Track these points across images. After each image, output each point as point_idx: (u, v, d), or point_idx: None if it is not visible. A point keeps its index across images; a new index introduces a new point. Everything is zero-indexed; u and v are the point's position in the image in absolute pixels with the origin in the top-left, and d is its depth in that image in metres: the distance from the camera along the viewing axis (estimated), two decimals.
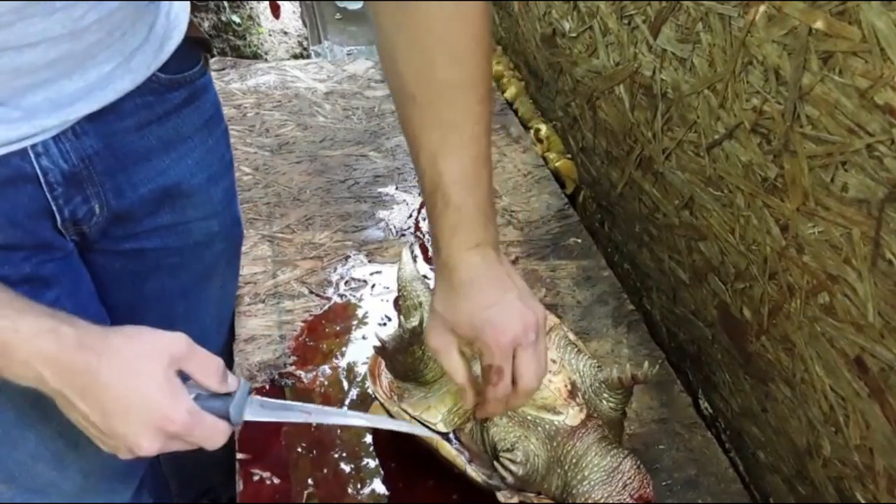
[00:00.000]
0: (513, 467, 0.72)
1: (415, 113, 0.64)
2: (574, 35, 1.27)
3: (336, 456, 0.86)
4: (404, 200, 1.29)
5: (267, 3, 2.55)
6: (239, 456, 0.85)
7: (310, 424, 0.89)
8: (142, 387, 0.58)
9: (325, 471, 0.85)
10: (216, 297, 0.95)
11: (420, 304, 0.93)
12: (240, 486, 0.83)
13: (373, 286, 1.11)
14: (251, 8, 2.57)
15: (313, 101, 1.56)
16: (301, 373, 0.96)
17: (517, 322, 0.64)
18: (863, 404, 0.72)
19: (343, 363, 0.98)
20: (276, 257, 1.15)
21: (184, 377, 0.61)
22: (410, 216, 1.26)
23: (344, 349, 1.01)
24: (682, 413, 0.95)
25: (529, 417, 0.76)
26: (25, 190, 0.64)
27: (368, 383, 0.91)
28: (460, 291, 0.65)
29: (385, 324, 1.05)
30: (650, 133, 1.06)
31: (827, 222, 0.72)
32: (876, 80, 0.63)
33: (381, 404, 0.84)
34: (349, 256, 1.16)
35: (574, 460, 0.76)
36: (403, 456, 0.85)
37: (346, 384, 0.95)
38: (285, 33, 2.71)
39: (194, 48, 0.75)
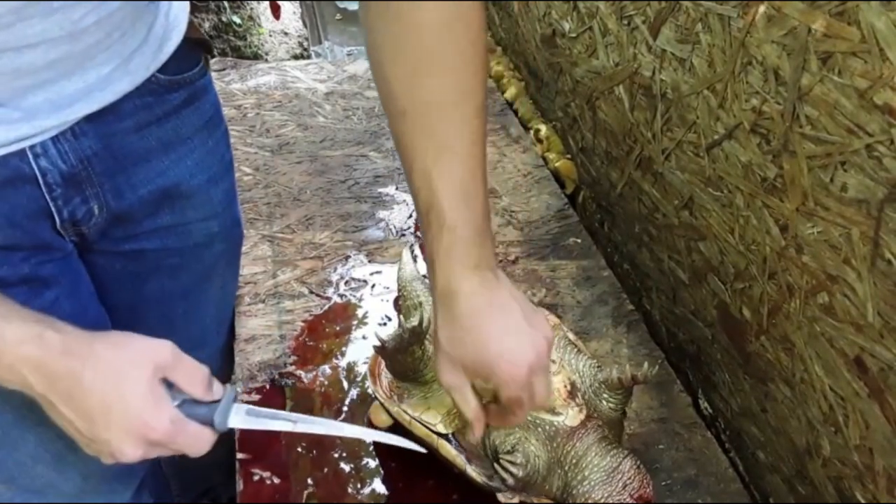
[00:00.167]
0: (513, 469, 0.72)
1: (406, 127, 0.62)
2: (574, 35, 1.27)
3: (336, 456, 0.87)
4: (404, 200, 1.29)
5: (267, 3, 2.55)
6: (239, 456, 0.85)
7: None
8: (125, 394, 0.58)
9: (325, 471, 0.85)
10: (216, 298, 0.95)
11: (420, 303, 0.93)
12: (240, 485, 0.83)
13: (373, 286, 1.11)
14: (251, 8, 2.57)
15: (313, 101, 1.56)
16: (301, 373, 0.96)
17: (530, 351, 0.63)
18: (862, 404, 0.72)
19: (343, 363, 0.99)
20: (276, 257, 1.15)
21: (170, 383, 0.62)
22: (410, 216, 1.26)
23: (344, 349, 1.01)
24: (681, 413, 0.95)
25: (529, 418, 0.76)
26: (24, 191, 0.64)
27: (368, 383, 0.91)
28: (465, 325, 0.63)
29: (385, 324, 1.05)
30: (650, 133, 1.06)
31: (826, 222, 0.72)
32: (875, 81, 0.63)
33: (381, 404, 0.84)
34: (349, 256, 1.16)
35: (574, 461, 0.76)
36: (403, 456, 0.85)
37: (346, 384, 0.95)
38: (286, 34, 2.71)
39: (194, 49, 0.75)
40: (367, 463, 0.86)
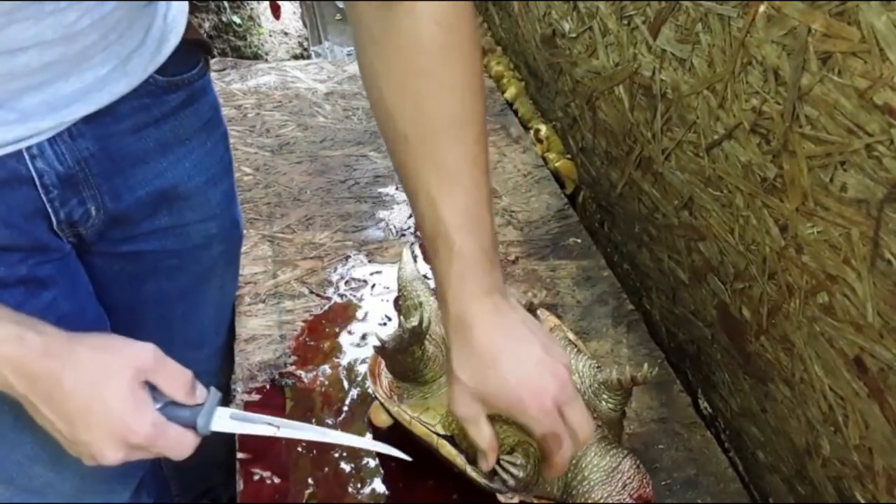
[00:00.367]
0: (513, 470, 0.72)
1: (409, 154, 0.61)
2: (574, 36, 1.27)
3: (336, 456, 0.87)
4: (404, 200, 1.29)
5: (267, 3, 2.55)
6: (239, 456, 0.85)
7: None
8: (105, 397, 0.58)
9: (325, 471, 0.85)
10: (215, 299, 0.95)
11: (420, 303, 0.93)
12: (240, 485, 0.83)
13: (373, 286, 1.11)
14: (251, 8, 2.57)
15: (314, 101, 1.56)
16: (301, 372, 0.96)
17: (551, 383, 0.62)
18: (862, 404, 0.72)
19: (343, 363, 0.99)
20: (276, 257, 1.15)
21: (154, 385, 0.62)
22: (410, 216, 1.26)
23: (344, 349, 1.01)
24: (681, 413, 0.95)
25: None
26: (21, 192, 0.64)
27: (368, 383, 0.91)
28: (484, 358, 0.62)
29: (385, 324, 1.05)
30: (650, 133, 1.06)
31: (826, 222, 0.72)
32: (875, 81, 0.63)
33: (381, 404, 0.84)
34: (349, 256, 1.16)
35: (574, 460, 0.76)
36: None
37: (346, 384, 0.95)
38: (286, 34, 2.71)
39: (193, 50, 0.75)
40: (367, 463, 0.86)
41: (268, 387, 0.94)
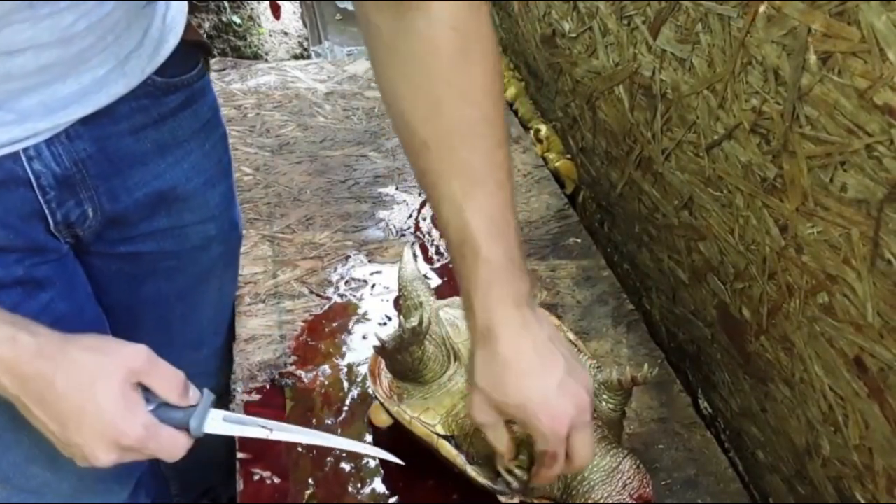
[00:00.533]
0: (518, 472, 0.72)
1: (431, 161, 0.60)
2: (574, 35, 1.27)
3: (336, 456, 0.87)
4: (404, 200, 1.29)
5: (267, 3, 2.55)
6: (239, 456, 0.85)
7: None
8: (97, 399, 0.58)
9: (325, 471, 0.85)
10: (213, 300, 0.95)
11: (420, 303, 0.93)
12: (240, 485, 0.83)
13: (373, 286, 1.11)
14: (251, 8, 2.57)
15: (314, 101, 1.56)
16: (301, 372, 0.96)
17: (571, 406, 0.61)
18: (862, 404, 0.72)
19: (343, 363, 0.99)
20: (276, 257, 1.15)
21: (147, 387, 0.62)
22: (410, 216, 1.26)
23: (344, 349, 1.01)
24: (681, 413, 0.95)
25: None
26: (17, 193, 0.64)
27: (368, 383, 0.91)
28: (507, 369, 0.61)
29: (385, 324, 1.05)
30: (650, 133, 1.06)
31: (826, 222, 0.72)
32: (875, 81, 0.63)
33: (381, 404, 0.84)
34: (349, 256, 1.16)
35: None
36: (403, 456, 0.85)
37: (346, 384, 0.95)
38: (286, 34, 2.70)
39: (192, 51, 0.75)
40: (367, 463, 0.86)
41: (268, 387, 0.94)
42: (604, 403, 0.79)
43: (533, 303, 0.63)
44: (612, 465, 0.75)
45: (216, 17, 2.45)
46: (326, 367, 0.98)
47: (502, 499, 0.75)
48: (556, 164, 1.42)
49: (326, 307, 1.07)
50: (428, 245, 1.21)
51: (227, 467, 0.89)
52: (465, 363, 0.83)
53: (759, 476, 0.95)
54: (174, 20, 0.71)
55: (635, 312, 1.10)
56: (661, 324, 1.16)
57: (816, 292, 0.76)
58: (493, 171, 0.60)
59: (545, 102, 1.52)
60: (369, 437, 0.88)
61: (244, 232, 0.99)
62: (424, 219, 1.26)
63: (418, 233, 1.23)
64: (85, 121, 0.65)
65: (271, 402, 0.92)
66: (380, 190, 1.32)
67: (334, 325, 1.04)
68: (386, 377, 0.85)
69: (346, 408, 0.92)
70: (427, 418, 0.79)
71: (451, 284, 1.12)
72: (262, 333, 1.02)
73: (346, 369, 0.98)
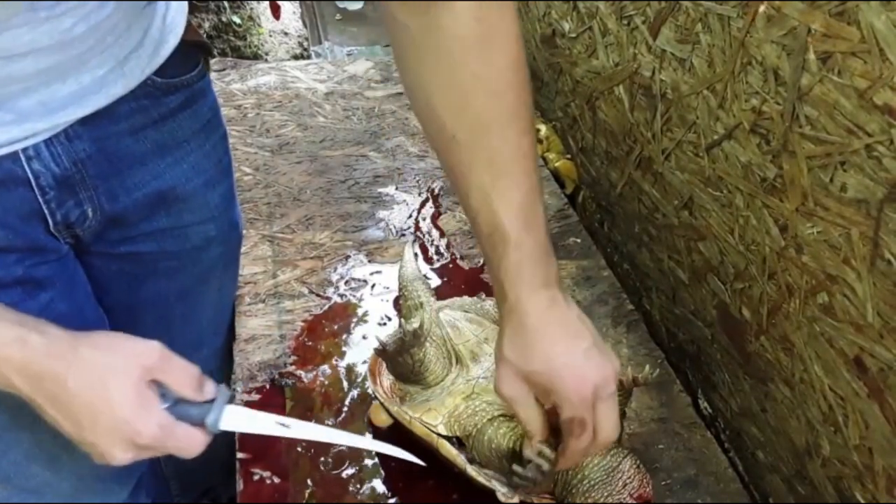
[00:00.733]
0: (547, 451, 0.69)
1: (459, 153, 0.61)
2: (573, 36, 1.27)
3: (336, 456, 0.86)
4: (404, 200, 1.29)
5: (267, 3, 2.55)
6: (239, 455, 0.85)
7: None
8: (111, 398, 0.58)
9: (325, 471, 0.85)
10: (213, 300, 0.95)
11: (421, 304, 0.93)
12: (240, 485, 0.83)
13: (373, 286, 1.11)
14: (251, 8, 2.57)
15: (313, 101, 1.56)
16: (301, 373, 0.96)
17: (596, 372, 0.62)
18: (862, 404, 0.72)
19: (343, 363, 0.99)
20: (276, 257, 1.15)
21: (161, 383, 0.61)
22: (410, 216, 1.26)
23: (344, 349, 1.01)
24: (681, 413, 0.95)
25: None
26: (17, 193, 0.64)
27: (368, 383, 0.91)
28: (534, 337, 0.62)
29: (385, 324, 1.05)
30: (649, 133, 1.06)
31: (826, 222, 0.72)
32: (875, 81, 0.63)
33: (382, 404, 0.84)
34: (349, 256, 1.16)
35: None
36: None
37: (346, 384, 0.95)
38: (285, 34, 2.70)
39: (192, 52, 0.74)
40: (367, 463, 0.86)
41: (268, 387, 0.94)
42: None
43: (562, 285, 0.65)
44: (612, 465, 0.75)
45: (216, 17, 2.45)
46: (326, 367, 0.98)
47: (502, 498, 0.75)
48: (556, 164, 1.42)
49: (326, 307, 1.07)
50: (428, 245, 1.21)
51: (227, 467, 0.89)
52: (466, 365, 0.83)
53: (759, 476, 0.95)
54: (174, 20, 0.71)
55: (635, 312, 1.10)
56: (661, 324, 1.16)
57: (816, 292, 0.76)
58: (519, 159, 0.61)
59: (545, 102, 1.52)
60: (369, 437, 0.88)
61: (244, 232, 0.99)
62: (424, 219, 1.26)
63: (418, 233, 1.23)
64: (84, 121, 0.65)
65: (271, 402, 0.92)
66: (380, 190, 1.32)
67: (334, 325, 1.04)
68: (387, 377, 0.85)
69: (345, 408, 0.92)
70: (429, 419, 0.79)
71: (451, 284, 1.12)
72: (261, 333, 1.02)
73: (345, 369, 0.98)
